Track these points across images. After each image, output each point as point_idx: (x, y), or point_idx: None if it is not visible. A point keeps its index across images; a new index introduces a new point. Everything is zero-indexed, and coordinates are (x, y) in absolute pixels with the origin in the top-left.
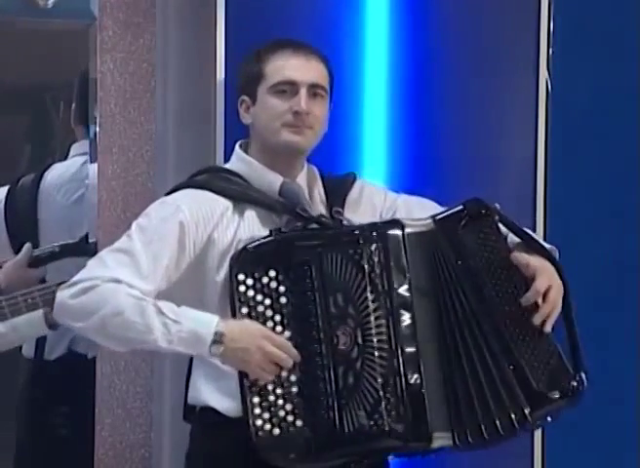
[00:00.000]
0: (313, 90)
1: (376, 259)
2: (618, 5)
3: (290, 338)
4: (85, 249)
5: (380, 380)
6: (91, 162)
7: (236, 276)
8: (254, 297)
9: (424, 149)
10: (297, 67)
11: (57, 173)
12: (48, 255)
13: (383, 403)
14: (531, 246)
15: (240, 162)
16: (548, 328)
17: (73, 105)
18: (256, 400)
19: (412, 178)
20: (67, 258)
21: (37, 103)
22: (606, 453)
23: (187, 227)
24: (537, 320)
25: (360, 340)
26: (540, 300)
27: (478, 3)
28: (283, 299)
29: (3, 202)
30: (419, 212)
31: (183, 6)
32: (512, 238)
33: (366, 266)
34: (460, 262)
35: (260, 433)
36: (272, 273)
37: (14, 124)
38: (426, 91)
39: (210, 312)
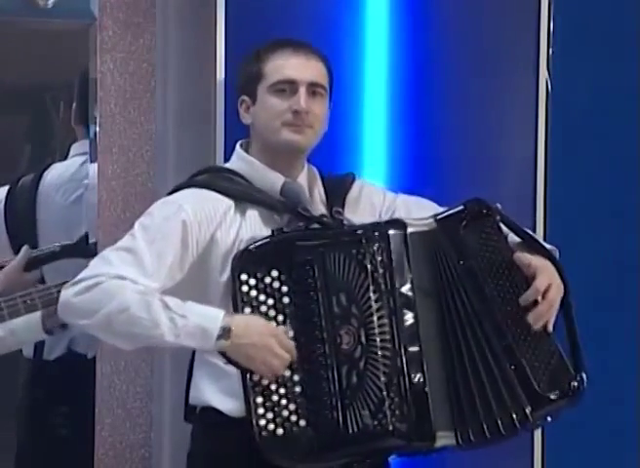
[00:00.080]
0: (313, 88)
1: (378, 259)
2: (618, 5)
3: (293, 338)
4: (85, 249)
5: (383, 380)
6: (91, 162)
7: (239, 276)
8: (256, 297)
9: (424, 149)
10: (296, 66)
11: (56, 173)
12: (48, 256)
13: (387, 402)
14: (532, 246)
15: (241, 161)
16: (549, 328)
17: (73, 105)
18: (259, 400)
19: (412, 178)
20: (67, 259)
21: (37, 103)
22: (606, 453)
23: (190, 227)
24: (532, 318)
25: (363, 340)
26: (539, 299)
27: (478, 3)
28: (286, 299)
29: (3, 202)
30: (417, 211)
31: (183, 6)
32: (512, 238)
33: (369, 266)
34: (461, 262)
35: (263, 433)
36: (275, 273)
37: (14, 124)
38: (426, 91)
39: None
